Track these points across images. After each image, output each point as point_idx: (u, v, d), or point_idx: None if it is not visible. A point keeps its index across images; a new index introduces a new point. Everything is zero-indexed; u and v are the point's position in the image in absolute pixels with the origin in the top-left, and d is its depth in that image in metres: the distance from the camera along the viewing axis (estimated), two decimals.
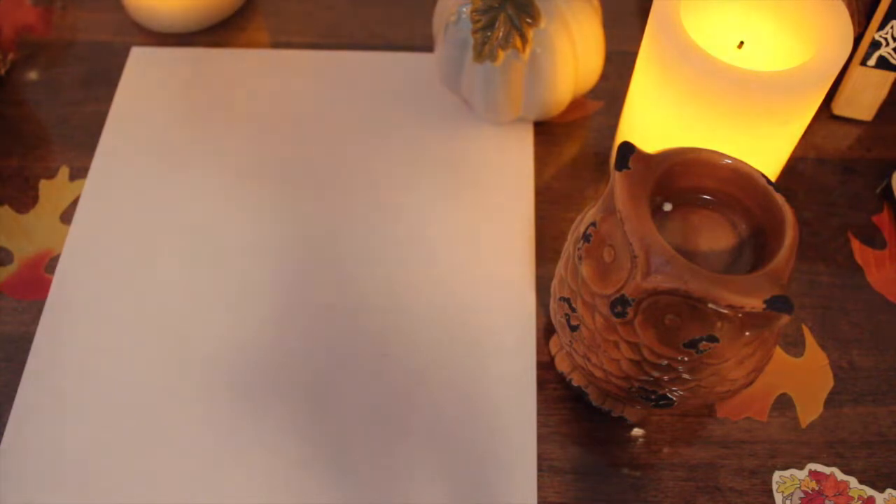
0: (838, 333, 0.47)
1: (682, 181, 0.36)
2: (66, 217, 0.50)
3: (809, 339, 0.46)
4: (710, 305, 0.31)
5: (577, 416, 0.44)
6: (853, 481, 0.42)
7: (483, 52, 0.47)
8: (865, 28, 0.51)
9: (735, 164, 0.35)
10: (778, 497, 0.42)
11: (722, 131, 0.41)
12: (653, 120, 0.45)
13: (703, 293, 0.31)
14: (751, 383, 0.37)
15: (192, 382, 0.44)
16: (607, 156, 0.53)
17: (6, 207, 0.51)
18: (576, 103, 0.55)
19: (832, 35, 0.40)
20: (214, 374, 0.45)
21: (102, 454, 0.42)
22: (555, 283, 0.40)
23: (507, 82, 0.49)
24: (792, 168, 0.52)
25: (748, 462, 0.42)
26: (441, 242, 0.49)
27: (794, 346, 0.46)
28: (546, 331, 0.46)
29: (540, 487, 0.41)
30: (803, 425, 0.44)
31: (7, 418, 0.43)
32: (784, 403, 0.44)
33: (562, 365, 0.44)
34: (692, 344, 0.33)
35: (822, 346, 0.46)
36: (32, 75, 0.57)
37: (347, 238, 0.49)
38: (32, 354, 0.45)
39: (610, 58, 0.54)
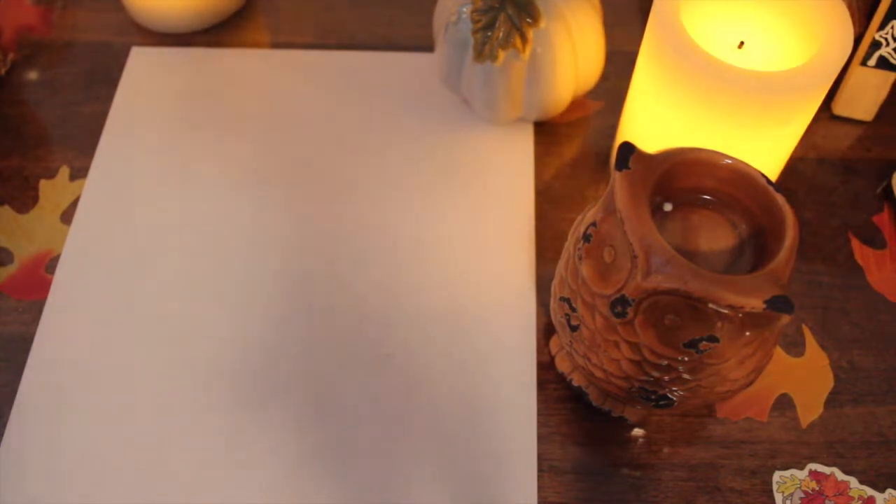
0: (838, 333, 0.47)
1: (682, 181, 0.36)
2: (66, 217, 0.50)
3: (809, 339, 0.46)
4: (711, 305, 0.31)
5: (578, 416, 0.44)
6: (853, 481, 0.42)
7: (483, 52, 0.47)
8: (865, 28, 0.51)
9: (735, 164, 0.35)
10: (778, 497, 0.42)
11: (722, 131, 0.41)
12: (653, 120, 0.45)
13: (704, 293, 0.31)
14: (751, 383, 0.37)
15: (193, 383, 0.44)
16: (607, 156, 0.53)
17: (6, 207, 0.51)
18: (576, 103, 0.55)
19: (832, 35, 0.40)
20: (215, 375, 0.45)
21: (102, 454, 0.42)
22: (555, 283, 0.40)
23: (507, 82, 0.49)
24: (792, 168, 0.52)
25: (748, 462, 0.42)
26: (441, 242, 0.49)
27: (794, 346, 0.46)
28: (546, 331, 0.46)
29: (540, 487, 0.41)
30: (803, 425, 0.44)
31: (7, 418, 0.43)
32: (784, 403, 0.44)
33: (562, 365, 0.44)
34: (692, 344, 0.33)
35: (822, 346, 0.46)
36: (32, 75, 0.57)
37: (347, 238, 0.49)
38: (32, 354, 0.45)
39: (610, 58, 0.54)
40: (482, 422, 0.43)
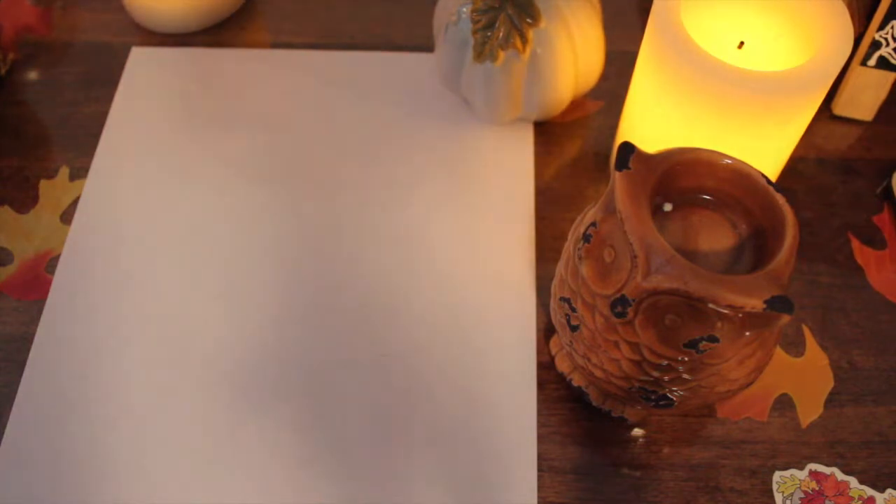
0: (838, 333, 0.47)
1: (682, 181, 0.36)
2: (66, 217, 0.50)
3: (809, 339, 0.46)
4: (711, 305, 0.31)
5: (577, 416, 0.44)
6: (853, 481, 0.42)
7: (483, 52, 0.47)
8: (865, 28, 0.51)
9: (735, 164, 0.35)
10: (778, 497, 0.42)
11: (722, 131, 0.41)
12: (653, 120, 0.45)
13: (703, 293, 0.31)
14: (751, 383, 0.37)
15: (192, 383, 0.44)
16: (607, 156, 0.53)
17: (6, 207, 0.51)
18: (576, 103, 0.55)
19: (832, 35, 0.40)
20: (214, 375, 0.45)
21: (102, 454, 0.42)
22: (555, 283, 0.40)
23: (507, 82, 0.49)
24: (792, 168, 0.52)
25: (748, 462, 0.42)
26: (441, 242, 0.49)
27: (794, 346, 0.46)
28: (546, 331, 0.46)
29: (540, 487, 0.41)
30: (803, 425, 0.44)
31: (7, 418, 0.43)
32: (784, 403, 0.44)
33: (562, 365, 0.44)
34: (692, 344, 0.33)
35: (822, 346, 0.46)
36: (32, 75, 0.57)
37: (347, 238, 0.49)
38: (32, 354, 0.45)
39: (610, 58, 0.54)
40: (482, 422, 0.43)
